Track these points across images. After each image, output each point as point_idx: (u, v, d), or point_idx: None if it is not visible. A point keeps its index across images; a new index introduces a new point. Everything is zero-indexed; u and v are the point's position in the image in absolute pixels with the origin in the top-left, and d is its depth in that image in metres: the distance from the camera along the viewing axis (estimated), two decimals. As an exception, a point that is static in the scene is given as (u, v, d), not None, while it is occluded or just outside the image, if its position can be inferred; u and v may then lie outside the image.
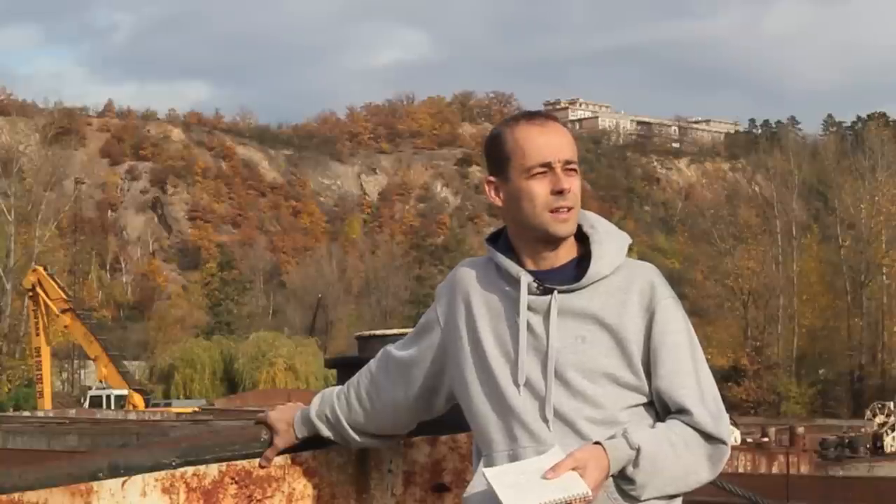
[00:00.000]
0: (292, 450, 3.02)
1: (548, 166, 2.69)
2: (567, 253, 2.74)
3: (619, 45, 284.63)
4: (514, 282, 2.72)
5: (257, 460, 2.99)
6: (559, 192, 2.68)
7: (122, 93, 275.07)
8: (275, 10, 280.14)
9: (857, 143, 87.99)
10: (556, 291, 2.68)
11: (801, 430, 23.57)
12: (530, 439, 2.65)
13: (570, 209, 2.69)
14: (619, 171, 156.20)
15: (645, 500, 2.60)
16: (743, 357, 73.23)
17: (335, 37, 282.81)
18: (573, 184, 2.70)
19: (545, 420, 2.64)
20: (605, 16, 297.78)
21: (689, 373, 2.68)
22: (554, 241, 2.71)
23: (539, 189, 2.69)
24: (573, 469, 2.51)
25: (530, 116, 2.77)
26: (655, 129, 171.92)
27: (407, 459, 3.18)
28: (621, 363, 2.66)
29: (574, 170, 2.71)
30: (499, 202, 2.76)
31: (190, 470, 2.91)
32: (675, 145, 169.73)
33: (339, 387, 3.03)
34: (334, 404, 2.99)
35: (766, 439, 24.51)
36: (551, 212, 2.68)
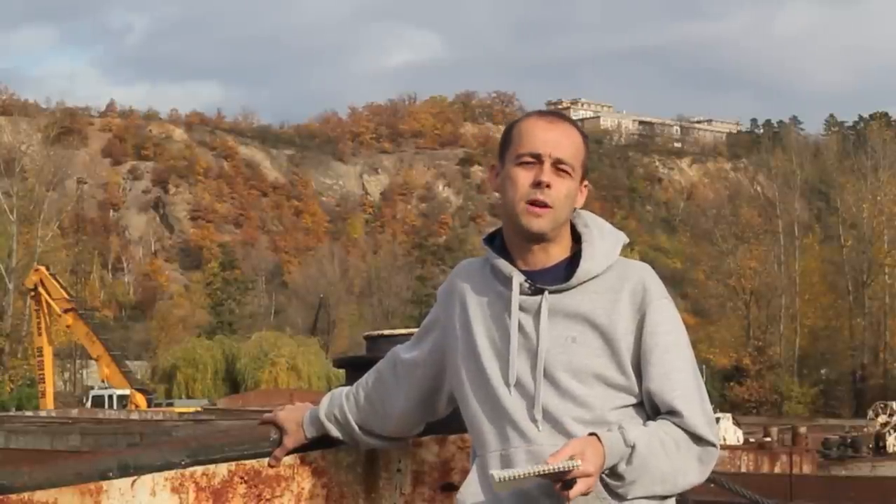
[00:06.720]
0: (301, 449, 3.03)
1: (537, 158, 2.69)
2: (560, 252, 2.74)
3: (622, 46, 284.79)
4: (508, 281, 2.73)
5: (266, 460, 3.00)
6: (537, 184, 2.67)
7: (135, 94, 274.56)
8: (288, 12, 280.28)
9: (860, 142, 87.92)
10: (546, 291, 2.69)
11: (803, 429, 23.57)
12: (520, 439, 2.66)
13: (546, 206, 2.67)
14: (620, 171, 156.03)
15: (633, 499, 2.60)
16: (745, 357, 73.24)
17: (347, 38, 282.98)
18: (558, 183, 2.68)
19: (534, 420, 2.65)
20: (607, 17, 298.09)
21: (680, 375, 2.67)
22: (533, 238, 2.71)
23: (522, 177, 2.69)
24: (571, 456, 2.51)
25: (545, 113, 2.79)
26: (657, 129, 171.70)
27: (416, 459, 3.19)
28: (611, 364, 2.66)
29: (566, 171, 2.69)
30: (494, 187, 2.78)
31: (199, 469, 2.92)
32: (677, 145, 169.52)
33: (348, 387, 3.05)
34: (343, 404, 3.00)
35: (768, 439, 24.48)
36: (528, 203, 2.68)
